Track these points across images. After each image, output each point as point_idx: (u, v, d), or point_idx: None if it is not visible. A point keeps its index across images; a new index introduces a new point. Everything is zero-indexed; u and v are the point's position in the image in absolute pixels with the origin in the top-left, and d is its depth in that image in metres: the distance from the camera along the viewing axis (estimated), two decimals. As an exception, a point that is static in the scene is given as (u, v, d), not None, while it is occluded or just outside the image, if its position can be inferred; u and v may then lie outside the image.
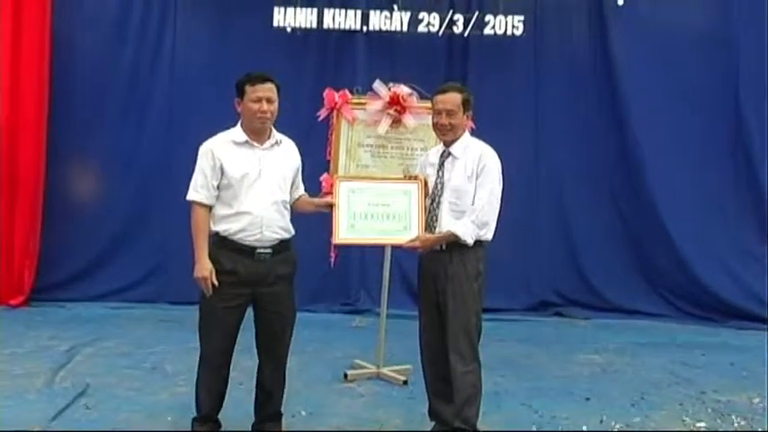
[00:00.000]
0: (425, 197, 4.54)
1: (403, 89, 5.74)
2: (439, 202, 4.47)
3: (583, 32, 7.98)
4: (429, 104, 5.66)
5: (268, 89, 4.22)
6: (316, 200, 4.77)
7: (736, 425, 5.00)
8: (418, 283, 4.65)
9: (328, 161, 5.76)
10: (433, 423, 4.60)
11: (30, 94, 7.50)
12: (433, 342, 4.55)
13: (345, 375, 5.66)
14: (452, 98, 4.48)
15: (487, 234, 4.42)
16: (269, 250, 4.20)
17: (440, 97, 4.52)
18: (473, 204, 4.38)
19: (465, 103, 4.49)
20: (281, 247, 4.25)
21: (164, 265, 7.80)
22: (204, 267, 4.14)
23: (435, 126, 4.55)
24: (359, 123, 5.84)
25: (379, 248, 5.91)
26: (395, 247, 4.67)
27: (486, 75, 7.74)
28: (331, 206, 4.61)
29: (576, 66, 7.99)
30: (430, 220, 4.51)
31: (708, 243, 7.90)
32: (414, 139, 5.82)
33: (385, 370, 5.74)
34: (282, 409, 4.50)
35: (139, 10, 7.77)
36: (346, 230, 4.60)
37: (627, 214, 8.01)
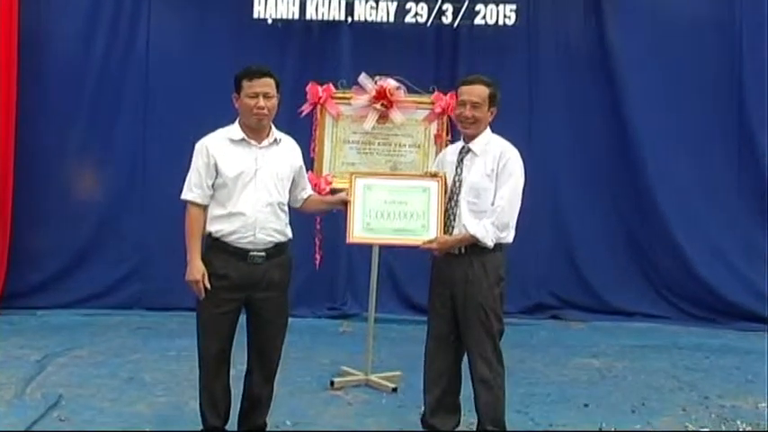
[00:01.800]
0: (445, 195, 4.54)
1: (390, 83, 5.75)
2: (457, 201, 4.47)
3: (579, 21, 7.97)
4: (418, 98, 5.73)
5: (265, 84, 4.23)
6: (328, 198, 4.82)
7: (741, 431, 5.04)
8: (430, 287, 4.65)
9: (312, 159, 5.77)
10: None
11: (-4, 91, 7.46)
12: (441, 351, 4.56)
13: (332, 383, 5.66)
14: (479, 90, 4.48)
15: (508, 237, 4.44)
16: (263, 253, 4.21)
17: (466, 88, 4.50)
18: (493, 204, 4.39)
19: (491, 98, 4.49)
20: (276, 250, 4.27)
21: (140, 270, 7.79)
22: (196, 270, 4.16)
23: (458, 117, 4.55)
24: (344, 119, 5.86)
25: (367, 249, 5.92)
26: (411, 248, 4.69)
27: (477, 67, 7.62)
28: (345, 203, 4.64)
29: (572, 56, 7.99)
30: (447, 219, 4.51)
31: (711, 241, 7.93)
32: (401, 135, 5.83)
33: (373, 377, 5.75)
34: (268, 420, 4.52)
35: (111, 1, 7.73)
36: (361, 229, 4.62)
37: (625, 211, 8.02)
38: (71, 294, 7.69)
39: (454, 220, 4.48)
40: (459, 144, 4.63)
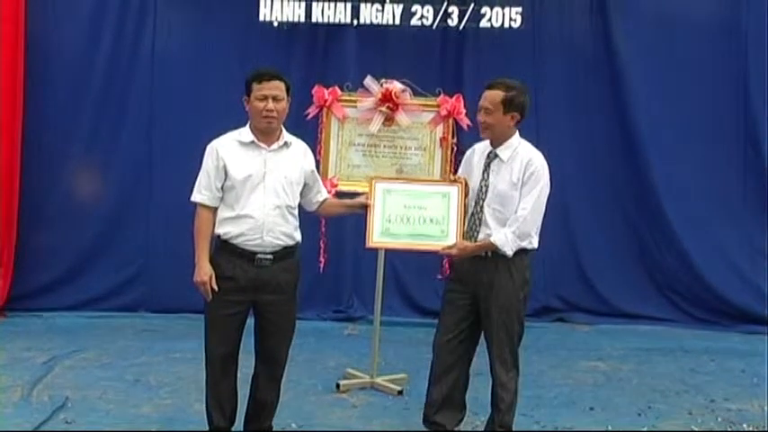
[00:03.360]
0: (465, 198, 4.54)
1: (396, 85, 5.76)
2: (482, 207, 4.46)
3: (584, 24, 7.96)
4: (423, 101, 5.75)
5: (275, 87, 4.25)
6: (348, 201, 4.84)
7: (747, 434, 5.06)
8: (448, 282, 4.66)
9: (318, 161, 5.77)
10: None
11: (2, 93, 7.45)
12: (451, 345, 4.55)
13: (338, 386, 5.68)
14: (491, 95, 4.45)
15: (532, 242, 4.43)
16: (270, 256, 4.23)
17: (484, 93, 4.49)
18: (516, 213, 4.38)
19: (506, 102, 4.43)
20: (284, 254, 4.28)
21: (145, 272, 7.79)
22: (204, 272, 4.18)
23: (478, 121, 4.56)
24: (350, 121, 5.87)
25: (373, 251, 5.92)
26: (430, 253, 4.69)
27: (483, 70, 7.68)
28: (365, 207, 4.65)
29: (577, 59, 7.97)
30: (473, 224, 4.50)
31: (717, 244, 7.92)
32: (407, 138, 5.84)
33: (379, 380, 5.76)
34: (274, 423, 4.53)
35: (117, 2, 7.72)
36: (380, 234, 4.64)
37: (631, 214, 8.01)
38: (77, 296, 7.70)
39: (479, 225, 4.47)
40: (486, 146, 4.59)
